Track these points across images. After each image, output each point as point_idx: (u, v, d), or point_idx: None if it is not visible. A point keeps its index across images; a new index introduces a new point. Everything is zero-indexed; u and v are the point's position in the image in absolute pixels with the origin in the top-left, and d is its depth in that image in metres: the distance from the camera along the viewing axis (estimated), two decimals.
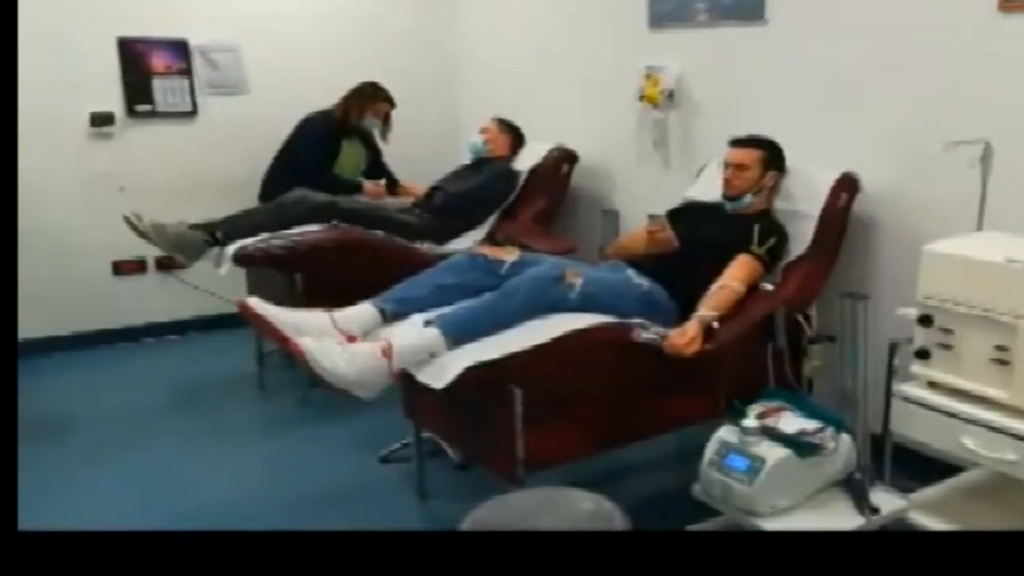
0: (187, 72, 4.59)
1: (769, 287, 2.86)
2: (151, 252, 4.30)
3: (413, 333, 2.52)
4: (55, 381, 4.15)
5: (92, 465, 3.30)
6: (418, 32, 5.12)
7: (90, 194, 4.42)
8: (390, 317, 2.68)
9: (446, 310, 2.60)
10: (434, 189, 4.27)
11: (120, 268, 4.59)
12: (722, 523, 2.47)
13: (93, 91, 4.41)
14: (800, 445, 2.31)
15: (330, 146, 4.41)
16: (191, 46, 4.58)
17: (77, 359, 4.38)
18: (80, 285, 4.48)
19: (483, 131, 4.33)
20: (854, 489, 2.37)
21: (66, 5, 4.28)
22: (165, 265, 4.52)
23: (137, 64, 4.48)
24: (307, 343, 2.44)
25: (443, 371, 2.42)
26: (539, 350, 2.45)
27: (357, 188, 4.37)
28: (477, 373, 2.38)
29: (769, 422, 2.41)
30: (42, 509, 2.96)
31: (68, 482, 3.17)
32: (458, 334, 2.49)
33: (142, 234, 3.70)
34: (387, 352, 2.45)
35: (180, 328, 4.69)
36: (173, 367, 4.37)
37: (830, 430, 2.37)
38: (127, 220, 3.70)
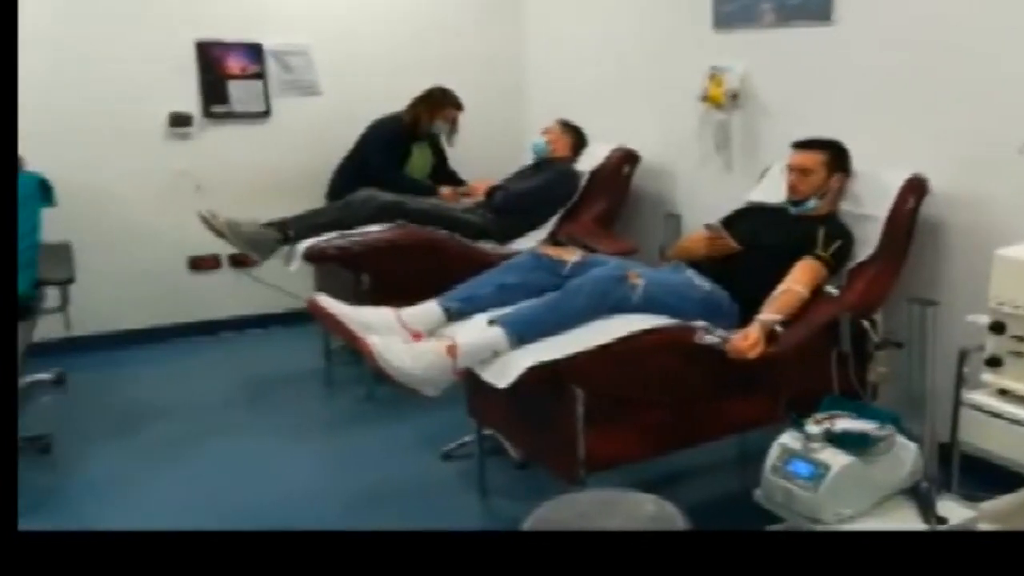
0: (261, 75, 4.63)
1: (834, 291, 2.77)
2: (225, 249, 4.31)
3: (477, 332, 2.50)
4: (133, 373, 4.21)
5: (164, 456, 3.33)
6: (485, 35, 5.09)
7: (168, 192, 4.48)
8: (454, 316, 2.66)
9: (509, 309, 2.57)
10: (495, 188, 4.25)
11: (196, 264, 4.65)
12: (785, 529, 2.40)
13: (172, 93, 4.47)
14: (855, 439, 2.22)
15: (401, 150, 4.42)
16: (265, 49, 4.62)
17: (154, 352, 4.44)
18: (158, 280, 4.54)
19: (545, 132, 4.29)
20: (920, 498, 2.27)
21: (148, 10, 4.35)
22: (238, 262, 4.56)
23: (214, 67, 4.53)
24: (375, 340, 2.44)
25: (506, 370, 2.39)
26: (601, 351, 2.40)
27: (432, 190, 4.37)
28: (539, 373, 2.35)
29: (825, 425, 2.33)
30: (115, 499, 3.03)
31: (141, 472, 3.21)
32: (521, 333, 2.46)
33: (217, 231, 3.74)
34: (452, 350, 2.44)
35: (251, 323, 4.73)
36: (244, 361, 4.41)
37: (888, 426, 2.28)
38: (202, 218, 3.74)
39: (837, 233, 2.80)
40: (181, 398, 3.90)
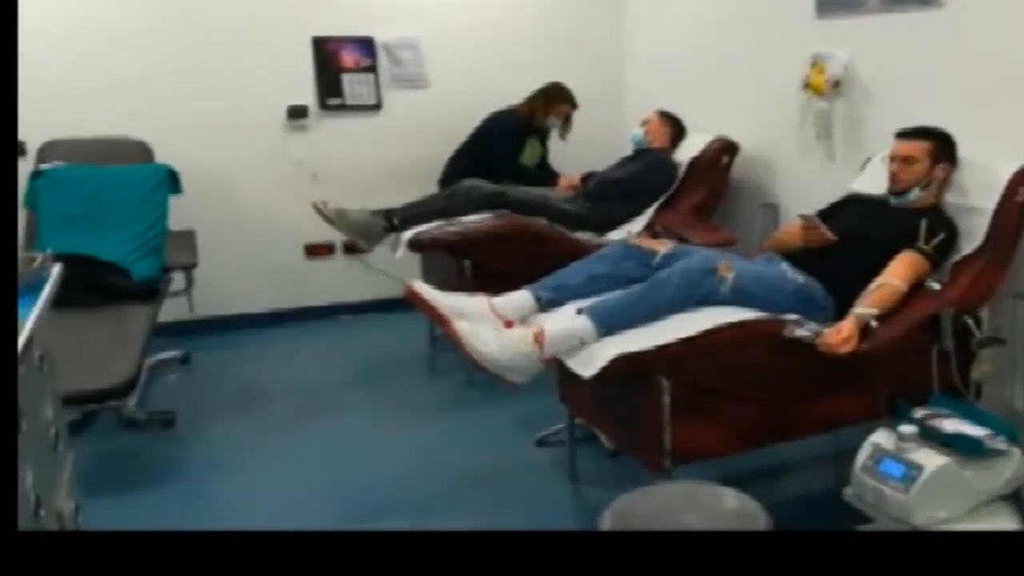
0: (373, 68, 4.68)
1: (936, 286, 2.58)
2: (339, 236, 4.38)
3: (565, 321, 2.46)
4: (251, 353, 4.35)
5: (277, 433, 3.43)
6: (586, 28, 5.01)
7: (286, 182, 4.58)
8: (545, 304, 2.63)
9: (598, 299, 2.52)
10: (589, 175, 4.19)
11: (312, 251, 4.75)
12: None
13: (291, 87, 4.56)
14: (962, 442, 2.09)
15: (518, 142, 4.43)
16: (377, 43, 4.67)
17: (271, 334, 4.57)
18: (276, 266, 4.66)
19: (644, 123, 4.20)
20: (1022, 505, 2.12)
21: (268, 8, 4.45)
22: (351, 249, 4.63)
23: (329, 61, 4.61)
24: (462, 326, 2.44)
25: (591, 360, 2.35)
26: (687, 343, 2.33)
27: (551, 182, 4.37)
28: (624, 363, 2.30)
29: (931, 423, 2.20)
30: (231, 471, 3.14)
31: (256, 447, 3.32)
32: (608, 323, 2.41)
33: (327, 219, 3.82)
34: (539, 338, 2.41)
35: (362, 308, 4.79)
36: (354, 345, 4.49)
37: (1001, 437, 2.13)
38: (314, 206, 3.83)
39: (940, 225, 2.63)
40: (295, 378, 4.00)
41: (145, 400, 3.62)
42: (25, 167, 3.94)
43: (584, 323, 2.41)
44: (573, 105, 4.41)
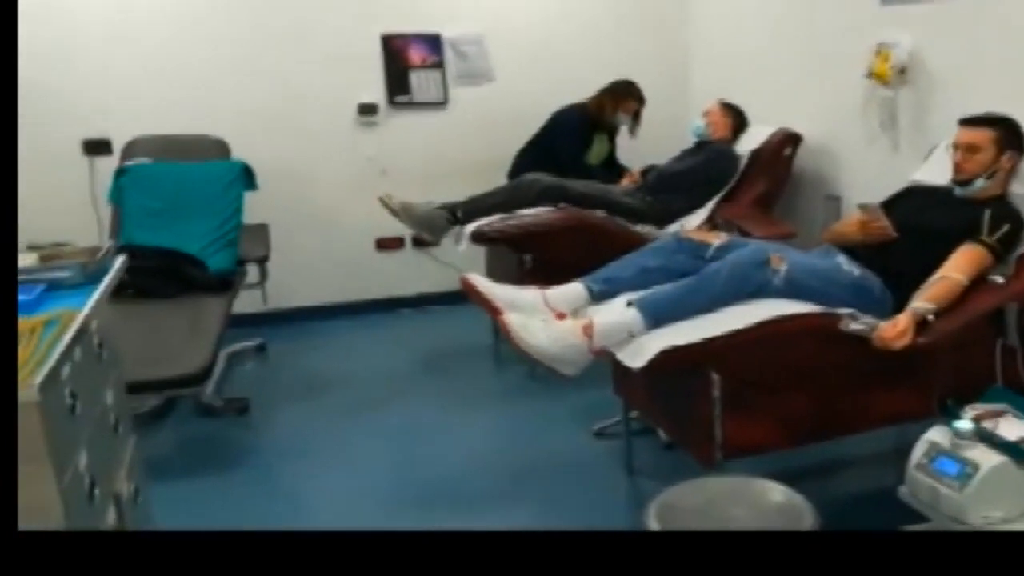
0: (439, 64, 4.70)
1: (1000, 280, 2.46)
2: (408, 230, 4.43)
3: (614, 313, 2.44)
4: (323, 344, 4.41)
5: (347, 420, 3.49)
6: (652, 20, 4.94)
7: (357, 177, 4.64)
8: (597, 296, 2.62)
9: (648, 291, 2.48)
10: (649, 168, 4.13)
11: (382, 244, 4.80)
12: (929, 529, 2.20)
13: (361, 84, 4.61)
14: (1016, 451, 1.99)
15: (585, 139, 4.40)
16: (443, 39, 4.68)
17: (342, 325, 4.63)
18: (347, 259, 4.73)
19: (705, 114, 4.11)
20: None
21: (337, 7, 4.51)
22: (420, 243, 4.67)
23: (397, 58, 4.64)
24: (512, 318, 2.44)
25: (640, 352, 2.32)
26: (738, 335, 2.28)
27: (615, 179, 4.33)
28: (673, 355, 2.26)
29: (987, 424, 2.10)
30: (301, 457, 3.20)
31: (326, 433, 3.37)
32: (658, 316, 2.38)
33: (393, 212, 3.85)
34: (588, 330, 2.39)
35: (431, 300, 4.83)
36: (422, 336, 4.53)
37: None
38: (381, 200, 3.87)
39: (1005, 217, 2.50)
40: (365, 368, 4.06)
41: (222, 387, 3.73)
42: (110, 164, 4.10)
43: (633, 315, 2.38)
44: (641, 101, 4.36)
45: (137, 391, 2.98)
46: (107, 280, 1.82)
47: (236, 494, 2.94)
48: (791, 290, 2.42)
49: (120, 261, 1.98)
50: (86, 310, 1.59)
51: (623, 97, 4.34)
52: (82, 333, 1.56)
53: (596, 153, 4.48)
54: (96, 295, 1.70)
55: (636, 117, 4.39)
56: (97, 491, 1.55)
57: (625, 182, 4.28)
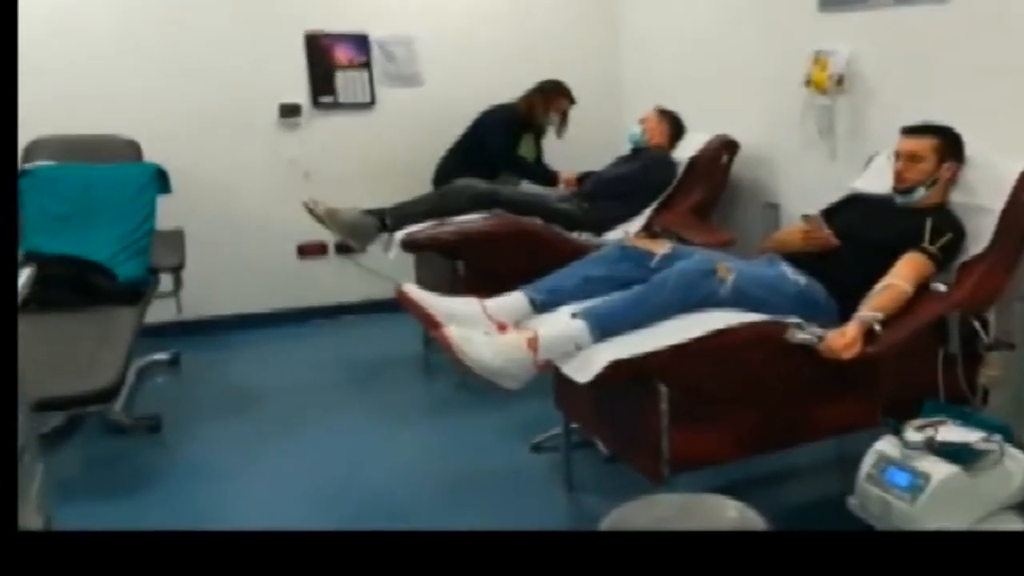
0: (367, 65, 4.61)
1: (942, 288, 2.49)
2: (332, 236, 4.30)
3: (560, 325, 2.39)
4: (241, 356, 4.28)
5: (268, 436, 3.36)
6: (582, 24, 4.95)
7: (278, 181, 4.52)
8: (540, 307, 2.57)
9: (593, 302, 2.44)
10: (586, 175, 4.13)
11: (304, 251, 4.68)
12: None
13: (283, 84, 4.50)
14: (962, 453, 2.01)
15: (513, 137, 4.37)
16: (371, 39, 4.60)
17: (262, 336, 4.50)
18: (267, 266, 4.60)
19: (642, 120, 4.13)
20: None
21: (260, 3, 4.39)
22: (344, 249, 4.56)
23: (322, 58, 4.54)
24: (452, 331, 2.36)
25: (587, 365, 2.27)
26: (685, 347, 2.25)
27: (550, 177, 4.33)
28: (621, 368, 2.22)
29: (929, 433, 2.12)
30: (219, 477, 3.06)
31: (246, 451, 3.24)
32: (604, 327, 2.34)
33: (318, 218, 3.75)
34: (533, 343, 2.33)
35: (355, 309, 4.73)
36: (347, 346, 4.42)
37: (996, 437, 2.06)
38: (305, 205, 3.77)
39: (946, 225, 2.55)
40: (287, 380, 3.93)
41: (132, 403, 3.55)
42: None
43: (579, 327, 2.33)
44: (571, 101, 4.38)
45: (40, 409, 2.81)
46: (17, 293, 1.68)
47: (147, 518, 2.78)
48: (738, 300, 2.41)
49: (27, 273, 1.83)
50: None
51: (554, 96, 4.35)
52: None
53: (526, 155, 4.47)
54: None
55: (564, 118, 4.39)
56: None
57: (561, 187, 4.26)
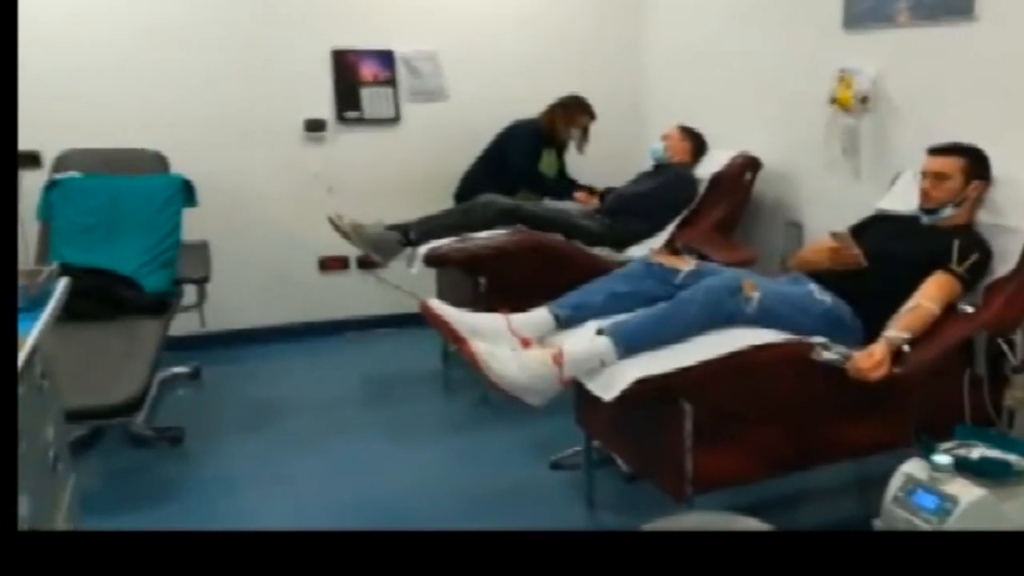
0: (392, 81, 4.63)
1: (969, 309, 2.49)
2: (354, 251, 4.30)
3: (585, 341, 2.38)
4: (262, 369, 4.28)
5: (289, 449, 3.37)
6: (606, 41, 4.95)
7: (302, 195, 4.52)
8: (564, 323, 2.56)
9: (619, 318, 2.44)
10: (608, 191, 4.12)
11: (326, 265, 4.69)
12: None
13: (308, 99, 4.52)
14: (996, 466, 1.99)
15: (535, 151, 4.39)
16: (396, 56, 4.62)
17: (283, 349, 4.51)
18: (290, 279, 4.61)
19: (664, 138, 4.13)
20: None
21: (288, 20, 4.41)
22: (365, 263, 4.56)
23: (347, 74, 4.56)
24: (479, 346, 2.36)
25: (612, 382, 2.26)
26: (711, 365, 2.24)
27: (570, 192, 4.34)
28: (646, 386, 2.21)
29: (959, 452, 2.10)
30: (238, 490, 3.07)
31: (266, 464, 3.24)
32: (629, 344, 2.33)
33: (342, 233, 3.75)
34: (558, 359, 2.33)
35: (376, 324, 4.73)
36: (368, 360, 4.42)
37: None
38: (330, 220, 3.77)
39: (974, 246, 2.53)
40: (306, 394, 3.93)
41: (154, 416, 3.56)
42: (40, 178, 3.91)
43: (604, 343, 2.33)
44: (592, 116, 4.38)
45: (66, 421, 2.84)
46: (52, 305, 1.69)
47: (170, 528, 2.79)
48: (764, 318, 2.40)
49: (63, 284, 1.85)
50: (31, 340, 1.46)
51: (575, 112, 4.36)
52: (26, 365, 1.44)
53: (548, 170, 4.48)
54: (42, 323, 1.57)
55: (586, 132, 4.40)
56: None
57: (580, 196, 4.28)
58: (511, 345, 2.43)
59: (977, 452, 2.11)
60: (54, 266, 1.82)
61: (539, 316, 2.57)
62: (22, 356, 1.38)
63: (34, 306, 1.64)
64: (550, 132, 4.38)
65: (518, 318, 2.55)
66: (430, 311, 2.54)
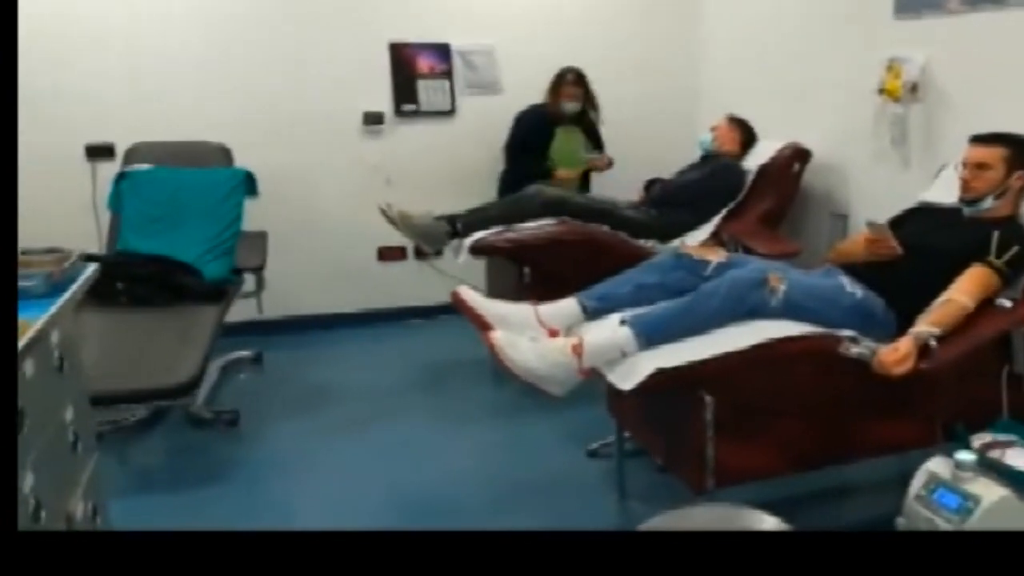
0: (448, 74, 4.66)
1: (1007, 303, 2.38)
2: (410, 241, 4.38)
3: (606, 331, 2.36)
4: (319, 355, 4.37)
5: (340, 434, 3.44)
6: (658, 32, 4.90)
7: (361, 186, 4.59)
8: (591, 313, 2.54)
9: (642, 309, 2.41)
10: (652, 181, 4.06)
11: (384, 254, 4.76)
12: None
13: (366, 92, 4.59)
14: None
15: (539, 136, 4.39)
16: (452, 49, 4.65)
17: (340, 336, 4.59)
18: (348, 268, 4.69)
19: (713, 128, 4.06)
20: None
21: (347, 15, 4.48)
22: (419, 253, 4.62)
23: (405, 67, 4.61)
24: (499, 335, 2.37)
25: (632, 372, 2.24)
26: (732, 358, 2.20)
27: (547, 173, 4.31)
28: (665, 377, 2.18)
29: (993, 454, 2.02)
30: (291, 472, 3.15)
31: (319, 448, 3.32)
32: (651, 335, 2.30)
33: (391, 221, 3.80)
34: (577, 349, 2.32)
35: (432, 312, 4.76)
36: (421, 348, 4.48)
37: None
38: (380, 209, 3.82)
39: (1014, 238, 2.41)
40: (359, 380, 4.01)
41: (215, 398, 3.68)
42: (112, 170, 4.07)
43: (626, 334, 2.31)
44: (576, 84, 4.33)
45: (123, 401, 2.96)
46: (72, 290, 1.77)
47: (220, 508, 2.89)
48: (790, 311, 2.34)
49: (91, 270, 1.92)
50: (39, 323, 1.53)
51: (556, 84, 4.37)
52: (36, 346, 1.51)
53: (565, 146, 4.43)
54: (55, 306, 1.64)
55: (588, 101, 4.37)
56: (44, 512, 1.49)
57: (559, 174, 4.31)
58: (533, 334, 2.43)
59: (1013, 456, 2.02)
60: (79, 253, 1.89)
61: (567, 306, 2.56)
62: (29, 335, 1.45)
63: (56, 292, 1.71)
64: (553, 111, 4.37)
65: (547, 308, 2.55)
66: (459, 299, 2.57)
